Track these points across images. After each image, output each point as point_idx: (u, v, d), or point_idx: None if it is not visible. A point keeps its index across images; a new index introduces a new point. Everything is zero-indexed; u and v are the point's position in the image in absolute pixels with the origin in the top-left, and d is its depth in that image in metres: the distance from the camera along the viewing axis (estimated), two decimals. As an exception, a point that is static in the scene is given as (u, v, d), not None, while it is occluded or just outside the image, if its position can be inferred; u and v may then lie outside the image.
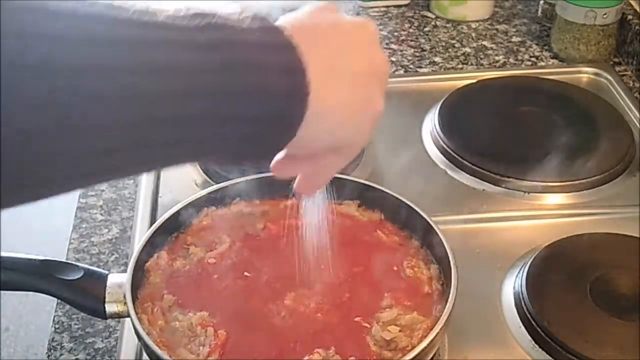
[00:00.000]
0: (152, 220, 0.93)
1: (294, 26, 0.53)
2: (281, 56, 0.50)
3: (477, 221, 0.93)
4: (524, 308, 0.80)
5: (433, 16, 1.39)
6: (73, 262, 0.74)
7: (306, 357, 0.67)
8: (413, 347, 0.66)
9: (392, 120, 1.11)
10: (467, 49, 1.29)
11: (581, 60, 1.23)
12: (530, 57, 1.27)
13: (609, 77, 1.19)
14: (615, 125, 1.07)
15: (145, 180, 1.00)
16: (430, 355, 0.69)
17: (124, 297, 0.71)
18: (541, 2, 1.36)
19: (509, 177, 0.97)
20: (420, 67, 1.24)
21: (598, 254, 0.85)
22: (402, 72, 1.23)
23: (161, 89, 0.44)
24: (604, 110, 1.10)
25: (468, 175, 0.99)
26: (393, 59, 1.26)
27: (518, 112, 1.08)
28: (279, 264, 0.77)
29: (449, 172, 1.01)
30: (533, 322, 0.78)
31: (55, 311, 0.84)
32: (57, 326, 0.83)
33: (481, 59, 1.26)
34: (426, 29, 1.35)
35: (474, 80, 1.17)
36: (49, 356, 0.80)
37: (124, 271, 0.74)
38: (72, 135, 0.42)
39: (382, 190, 0.82)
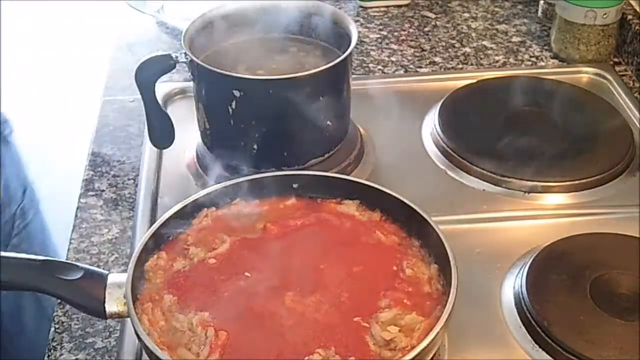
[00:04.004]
0: (152, 220, 0.93)
1: None
2: None
3: (477, 221, 0.93)
4: (524, 308, 0.80)
5: (433, 16, 1.39)
6: (73, 262, 0.74)
7: (306, 357, 0.67)
8: (412, 347, 0.66)
9: (392, 120, 1.11)
10: (467, 49, 1.29)
11: (581, 60, 1.23)
12: (530, 57, 1.27)
13: (609, 77, 1.19)
14: (615, 125, 1.07)
15: (145, 180, 1.00)
16: (430, 355, 0.69)
17: (124, 297, 0.71)
18: (541, 2, 1.36)
19: (509, 177, 0.97)
20: (420, 67, 1.24)
21: (598, 254, 0.85)
22: (402, 72, 1.23)
23: None
24: (604, 110, 1.10)
25: (468, 175, 0.99)
26: (393, 59, 1.26)
27: (518, 112, 1.08)
28: (279, 264, 0.77)
29: (449, 172, 1.01)
30: (533, 322, 0.78)
31: (55, 311, 0.85)
32: (57, 326, 0.83)
33: (481, 59, 1.26)
34: (426, 29, 1.35)
35: (474, 80, 1.17)
36: (49, 356, 0.80)
37: (124, 271, 0.74)
38: None
39: (382, 190, 0.82)
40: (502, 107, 1.09)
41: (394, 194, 0.81)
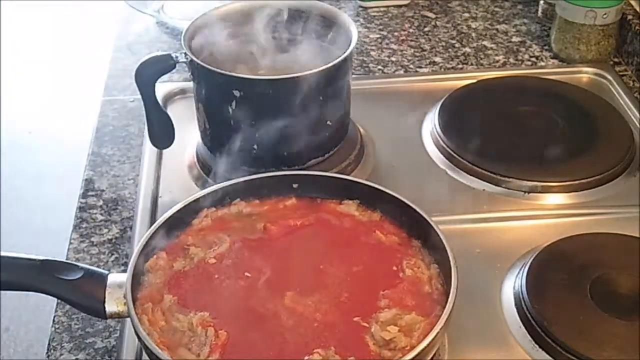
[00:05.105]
0: (152, 220, 0.93)
1: None
2: None
3: (477, 221, 0.93)
4: (524, 308, 0.80)
5: (433, 16, 1.39)
6: (73, 262, 0.74)
7: (306, 357, 0.67)
8: (412, 347, 0.66)
9: (392, 120, 1.11)
10: (467, 49, 1.29)
11: (581, 60, 1.23)
12: (530, 57, 1.27)
13: (609, 77, 1.19)
14: (615, 126, 1.07)
15: (145, 180, 1.00)
16: (430, 355, 0.69)
17: (124, 297, 0.71)
18: (541, 2, 1.36)
19: (509, 177, 0.97)
20: (420, 67, 1.24)
21: (598, 254, 0.85)
22: (402, 72, 1.23)
23: None
24: (604, 110, 1.10)
25: (468, 175, 0.99)
26: (393, 59, 1.26)
27: (518, 112, 1.08)
28: (278, 264, 0.77)
29: (449, 172, 1.01)
30: (533, 322, 0.78)
31: (55, 311, 0.84)
32: (57, 326, 0.83)
33: (481, 59, 1.26)
34: (426, 29, 1.35)
35: (474, 80, 1.17)
36: (49, 356, 0.80)
37: (124, 271, 0.74)
38: None
39: (382, 190, 0.82)
40: (502, 107, 1.09)
41: (394, 194, 0.81)
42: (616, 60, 1.25)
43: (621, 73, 1.21)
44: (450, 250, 0.74)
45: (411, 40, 1.32)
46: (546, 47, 1.28)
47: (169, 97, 1.16)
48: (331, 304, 0.72)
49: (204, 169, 1.00)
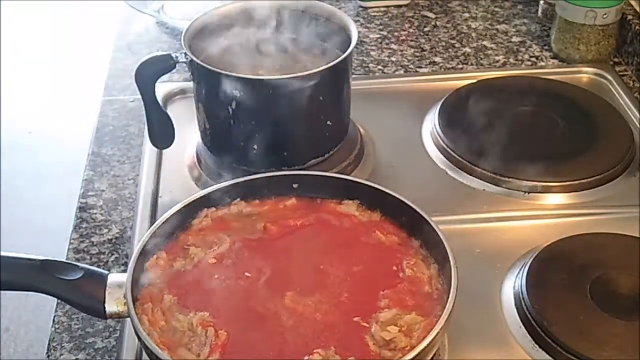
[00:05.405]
0: (152, 220, 0.93)
1: None
2: None
3: (477, 221, 0.93)
4: (524, 308, 0.80)
5: (433, 16, 1.39)
6: (73, 262, 0.74)
7: (306, 357, 0.67)
8: (412, 347, 0.66)
9: (392, 120, 1.11)
10: (467, 49, 1.29)
11: (581, 60, 1.23)
12: (530, 57, 1.27)
13: (609, 77, 1.19)
14: (615, 126, 1.07)
15: (145, 180, 1.00)
16: (430, 355, 0.69)
17: (124, 297, 0.71)
18: (541, 2, 1.36)
19: (509, 177, 0.97)
20: (420, 67, 1.24)
21: (598, 254, 0.85)
22: (402, 72, 1.23)
23: None
24: (604, 110, 1.10)
25: (468, 175, 0.99)
26: (393, 59, 1.26)
27: (518, 112, 1.08)
28: (279, 264, 0.77)
29: (449, 172, 1.01)
30: (533, 322, 0.78)
31: (55, 311, 0.85)
32: (57, 326, 0.83)
33: (481, 59, 1.26)
34: (426, 29, 1.35)
35: (474, 80, 1.16)
36: (49, 356, 0.80)
37: (124, 271, 0.74)
38: None
39: (382, 190, 0.82)
40: (502, 107, 1.09)
41: (394, 194, 0.81)
42: (616, 60, 1.25)
43: (621, 73, 1.21)
44: (450, 250, 0.74)
45: (411, 40, 1.32)
46: (546, 47, 1.28)
47: (169, 97, 1.16)
48: (331, 304, 0.72)
49: (204, 169, 1.00)
